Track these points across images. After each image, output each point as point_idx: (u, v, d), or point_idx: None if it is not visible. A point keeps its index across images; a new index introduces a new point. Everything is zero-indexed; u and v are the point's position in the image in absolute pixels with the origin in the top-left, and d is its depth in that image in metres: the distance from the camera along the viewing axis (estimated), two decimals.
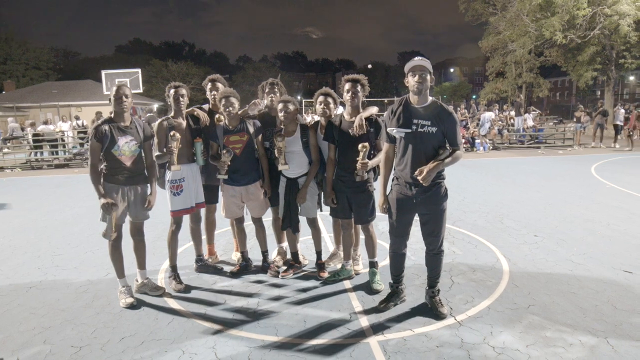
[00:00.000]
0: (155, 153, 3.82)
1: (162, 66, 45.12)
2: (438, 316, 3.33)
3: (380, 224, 5.52)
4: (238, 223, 4.30)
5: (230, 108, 3.87)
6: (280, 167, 3.89)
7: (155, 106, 29.04)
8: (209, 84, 4.29)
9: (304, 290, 3.89)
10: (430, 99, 3.21)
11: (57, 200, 8.68)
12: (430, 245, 3.39)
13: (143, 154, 3.74)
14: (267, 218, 4.49)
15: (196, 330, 3.25)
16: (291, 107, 3.88)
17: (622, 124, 16.06)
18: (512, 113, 18.42)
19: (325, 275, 4.09)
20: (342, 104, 3.98)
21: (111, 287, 3.98)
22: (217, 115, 4.12)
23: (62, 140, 17.07)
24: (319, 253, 4.20)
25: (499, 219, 6.14)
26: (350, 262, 4.13)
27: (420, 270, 4.03)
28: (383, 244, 4.61)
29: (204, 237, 4.55)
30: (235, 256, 4.62)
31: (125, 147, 3.57)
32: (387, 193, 3.43)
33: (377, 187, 3.64)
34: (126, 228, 3.75)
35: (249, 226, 4.47)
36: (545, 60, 28.32)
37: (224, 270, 4.39)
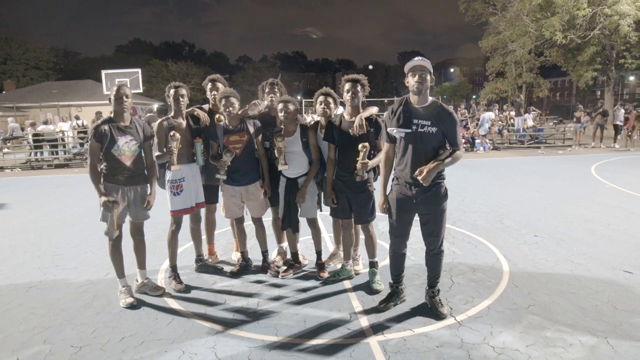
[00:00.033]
0: (156, 153, 3.82)
1: (162, 66, 45.13)
2: (438, 316, 3.33)
3: (380, 224, 5.52)
4: (238, 223, 4.30)
5: (231, 108, 3.87)
6: (280, 168, 3.89)
7: (155, 106, 29.04)
8: (209, 84, 4.29)
9: (304, 290, 3.89)
10: (430, 99, 3.20)
11: (57, 200, 8.68)
12: (430, 245, 3.39)
13: (143, 154, 3.74)
14: (267, 218, 4.49)
15: (196, 330, 3.25)
16: (291, 107, 3.88)
17: (622, 124, 16.07)
18: (512, 113, 18.43)
19: (325, 275, 4.09)
20: (342, 104, 3.98)
21: (111, 287, 3.98)
22: (217, 115, 4.12)
23: (62, 140, 17.07)
24: (319, 253, 4.20)
25: (499, 219, 6.14)
26: (350, 262, 4.13)
27: (420, 270, 4.03)
28: (383, 244, 4.61)
29: (204, 237, 4.55)
30: (235, 256, 4.62)
31: (125, 147, 3.57)
32: (387, 193, 3.43)
33: (377, 187, 3.64)
34: (126, 228, 3.75)
35: (249, 226, 4.47)
36: (545, 61, 28.33)
37: (224, 270, 4.39)
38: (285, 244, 4.49)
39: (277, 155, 3.85)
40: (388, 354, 2.88)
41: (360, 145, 3.49)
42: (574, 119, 16.77)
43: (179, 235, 4.04)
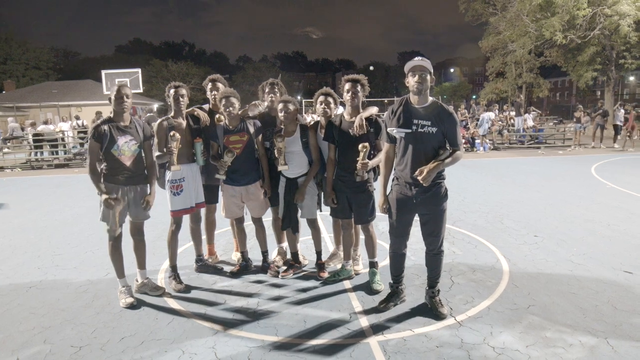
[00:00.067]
0: (156, 153, 3.82)
1: (162, 66, 45.13)
2: (438, 316, 3.33)
3: (380, 224, 5.52)
4: (238, 223, 4.30)
5: (231, 108, 3.87)
6: (279, 168, 3.89)
7: (156, 106, 29.06)
8: (210, 84, 4.29)
9: (304, 290, 3.89)
10: (430, 99, 3.20)
11: (57, 200, 8.68)
12: (430, 246, 3.39)
13: (143, 154, 3.74)
14: (267, 218, 4.49)
15: (196, 330, 3.25)
16: (291, 107, 3.88)
17: (622, 124, 16.06)
18: (512, 113, 18.42)
19: (325, 275, 4.09)
20: (342, 104, 3.98)
21: (111, 287, 3.98)
22: (217, 115, 4.12)
23: (62, 140, 17.07)
24: (319, 253, 4.20)
25: (499, 219, 6.14)
26: (350, 262, 4.12)
27: (420, 270, 4.03)
28: (383, 244, 4.61)
29: (204, 237, 4.55)
30: (235, 256, 4.62)
31: (125, 146, 3.57)
32: (387, 193, 3.43)
33: (377, 187, 3.64)
34: (126, 228, 3.75)
35: (249, 226, 4.47)
36: (546, 61, 28.31)
37: (224, 270, 4.39)
38: (285, 244, 4.49)
39: (277, 155, 3.85)
40: (388, 354, 2.88)
41: (360, 146, 3.49)
42: (574, 119, 16.77)
43: (179, 235, 4.04)
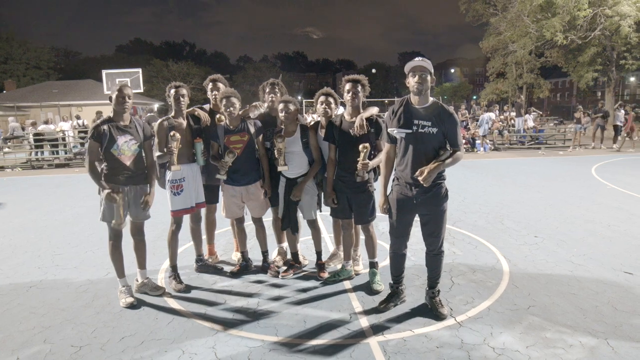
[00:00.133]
0: (156, 153, 3.82)
1: (163, 66, 45.15)
2: (438, 317, 3.33)
3: (381, 225, 5.52)
4: (238, 223, 4.30)
5: (232, 108, 3.87)
6: (279, 168, 3.89)
7: (156, 106, 29.03)
8: (210, 84, 4.29)
9: (304, 290, 3.89)
10: (431, 99, 3.20)
11: (58, 199, 8.69)
12: (431, 246, 3.39)
13: (143, 154, 3.74)
14: (267, 218, 4.48)
15: (196, 330, 3.25)
16: (292, 107, 3.88)
17: (622, 124, 16.05)
18: (513, 114, 18.41)
19: (326, 275, 4.09)
20: (343, 104, 3.98)
21: (111, 287, 3.98)
22: (218, 115, 4.12)
23: (63, 140, 17.08)
24: (319, 253, 4.20)
25: (499, 220, 6.14)
26: (350, 262, 4.12)
27: (420, 270, 4.03)
28: (383, 244, 4.61)
29: (204, 237, 4.56)
30: (236, 256, 4.62)
31: (125, 146, 3.57)
32: (388, 193, 3.43)
33: (377, 187, 3.64)
34: (126, 228, 3.75)
35: (249, 226, 4.47)
36: (546, 61, 28.27)
37: (224, 270, 4.39)
38: (285, 244, 4.49)
39: (276, 156, 3.84)
40: (388, 354, 2.88)
41: (360, 146, 3.49)
42: (574, 120, 16.77)
43: (179, 235, 4.04)
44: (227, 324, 3.32)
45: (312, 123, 4.16)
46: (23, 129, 18.17)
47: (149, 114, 19.09)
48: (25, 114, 26.88)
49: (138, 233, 3.81)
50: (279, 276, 4.16)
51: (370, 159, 3.61)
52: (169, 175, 3.92)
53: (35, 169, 14.76)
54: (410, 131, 3.16)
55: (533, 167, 11.60)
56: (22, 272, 4.52)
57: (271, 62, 73.84)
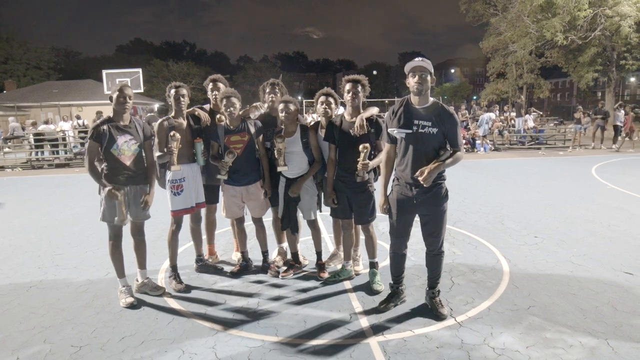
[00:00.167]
0: (156, 153, 3.82)
1: (163, 66, 45.16)
2: (438, 317, 3.33)
3: (381, 225, 5.52)
4: (238, 223, 4.30)
5: (232, 108, 3.87)
6: (279, 169, 3.88)
7: (156, 106, 29.03)
8: (211, 84, 4.29)
9: (304, 290, 3.89)
10: (431, 99, 3.20)
11: (58, 199, 8.69)
12: (431, 246, 3.39)
13: (143, 154, 3.74)
14: (268, 218, 4.48)
15: (196, 330, 3.25)
16: (292, 107, 3.88)
17: (622, 124, 16.05)
18: (513, 114, 18.41)
19: (326, 275, 4.09)
20: (343, 104, 3.98)
21: (111, 287, 3.98)
22: (218, 115, 4.13)
23: (63, 140, 17.08)
24: (319, 253, 4.20)
25: (499, 220, 6.14)
26: (350, 262, 4.12)
27: (420, 271, 4.03)
28: (383, 244, 4.61)
29: (204, 237, 4.56)
30: (236, 256, 4.62)
31: (125, 146, 3.57)
32: (388, 193, 3.43)
33: (377, 187, 3.64)
34: (126, 228, 3.75)
35: (249, 226, 4.47)
36: (546, 61, 28.26)
37: (224, 270, 4.39)
38: (285, 244, 4.49)
39: (276, 156, 3.84)
40: (388, 354, 2.88)
41: (361, 146, 3.49)
42: (574, 120, 16.77)
43: (179, 235, 4.04)
44: (227, 324, 3.32)
45: (312, 123, 4.16)
46: (23, 129, 18.16)
47: (149, 114, 19.08)
48: (26, 114, 26.88)
49: (138, 233, 3.81)
50: (279, 276, 4.16)
51: (370, 159, 3.61)
52: (169, 175, 3.92)
53: (35, 169, 14.76)
54: (410, 131, 3.16)
55: (533, 168, 11.60)
56: (22, 272, 4.53)
57: (271, 62, 73.87)
